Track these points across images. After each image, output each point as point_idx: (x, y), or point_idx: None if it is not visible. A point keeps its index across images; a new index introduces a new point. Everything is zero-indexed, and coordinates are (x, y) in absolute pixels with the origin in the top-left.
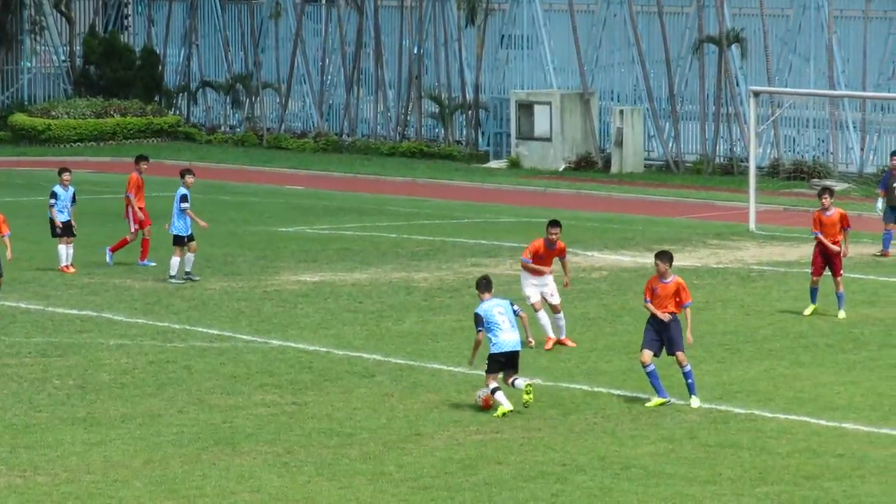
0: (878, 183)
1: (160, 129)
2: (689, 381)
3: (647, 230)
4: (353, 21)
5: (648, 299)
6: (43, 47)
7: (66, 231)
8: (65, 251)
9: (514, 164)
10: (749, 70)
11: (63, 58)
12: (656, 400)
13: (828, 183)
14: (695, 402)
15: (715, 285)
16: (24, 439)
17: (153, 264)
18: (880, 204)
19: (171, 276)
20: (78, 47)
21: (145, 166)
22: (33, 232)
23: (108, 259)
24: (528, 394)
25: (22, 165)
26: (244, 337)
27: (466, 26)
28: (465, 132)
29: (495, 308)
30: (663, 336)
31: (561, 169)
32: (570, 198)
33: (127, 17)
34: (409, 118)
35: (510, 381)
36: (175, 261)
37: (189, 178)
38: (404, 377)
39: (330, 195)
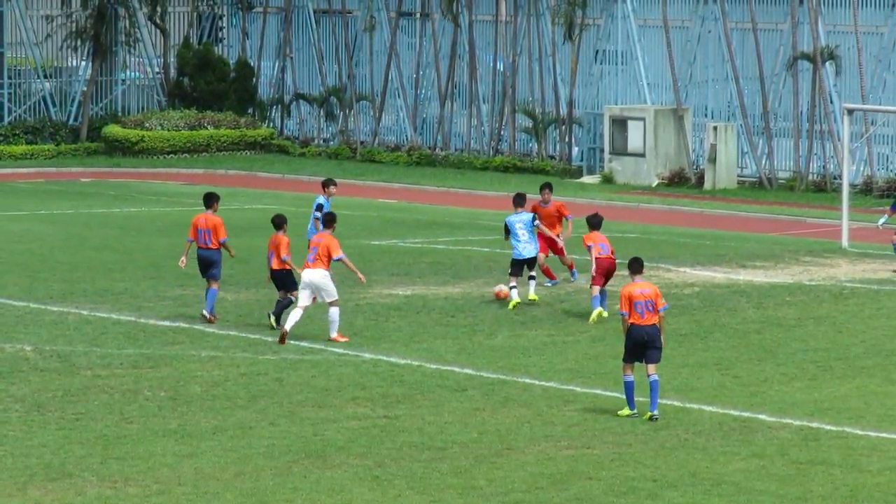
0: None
1: (253, 141)
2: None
3: (740, 246)
4: (448, 35)
5: (626, 311)
6: (137, 59)
7: None
8: None
9: (607, 180)
10: (843, 87)
11: (157, 69)
12: (627, 410)
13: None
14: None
15: (807, 302)
16: (116, 450)
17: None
18: (882, 220)
19: None
20: (172, 59)
21: (548, 196)
22: (124, 243)
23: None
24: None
25: (115, 177)
26: (336, 350)
27: (564, 42)
28: (558, 147)
29: (518, 221)
30: (645, 347)
31: (654, 185)
32: (662, 213)
33: (221, 30)
34: (502, 133)
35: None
36: None
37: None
38: (496, 391)
39: (423, 209)
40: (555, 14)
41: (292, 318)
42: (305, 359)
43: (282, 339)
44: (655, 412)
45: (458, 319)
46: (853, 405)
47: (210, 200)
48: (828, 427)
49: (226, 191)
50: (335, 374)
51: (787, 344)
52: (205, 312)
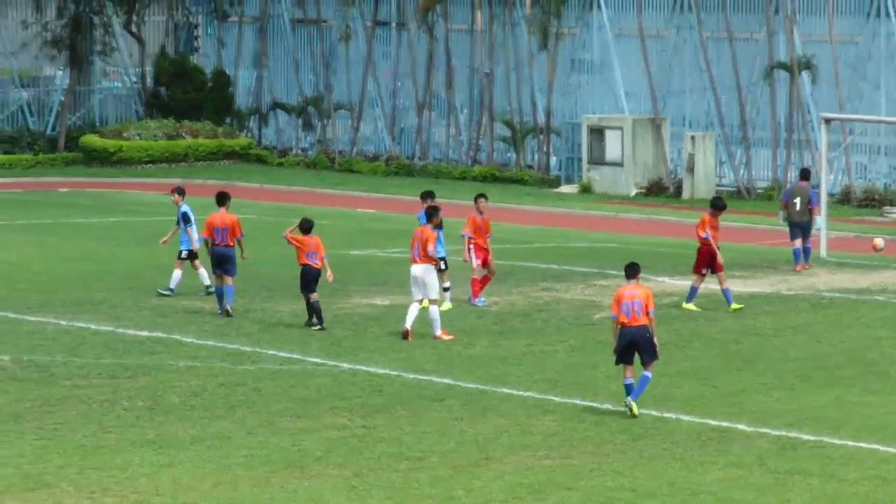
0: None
1: (232, 151)
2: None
3: None
4: (424, 44)
5: (615, 314)
6: (113, 69)
7: None
8: None
9: (586, 189)
10: (820, 96)
11: (134, 79)
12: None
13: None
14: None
15: (786, 312)
16: (93, 460)
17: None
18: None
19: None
20: (149, 68)
21: (484, 204)
22: (102, 253)
23: (479, 303)
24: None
25: (92, 186)
26: (314, 360)
27: (540, 51)
28: (536, 157)
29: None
30: (632, 348)
31: (632, 194)
32: (641, 223)
33: (197, 39)
34: (480, 142)
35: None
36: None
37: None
38: (474, 401)
39: (401, 218)
40: (530, 23)
41: (416, 314)
42: (283, 369)
43: (406, 336)
44: (633, 401)
45: None
46: (832, 415)
47: (223, 199)
48: (806, 437)
49: (204, 201)
50: (313, 384)
51: (766, 353)
52: (227, 307)
